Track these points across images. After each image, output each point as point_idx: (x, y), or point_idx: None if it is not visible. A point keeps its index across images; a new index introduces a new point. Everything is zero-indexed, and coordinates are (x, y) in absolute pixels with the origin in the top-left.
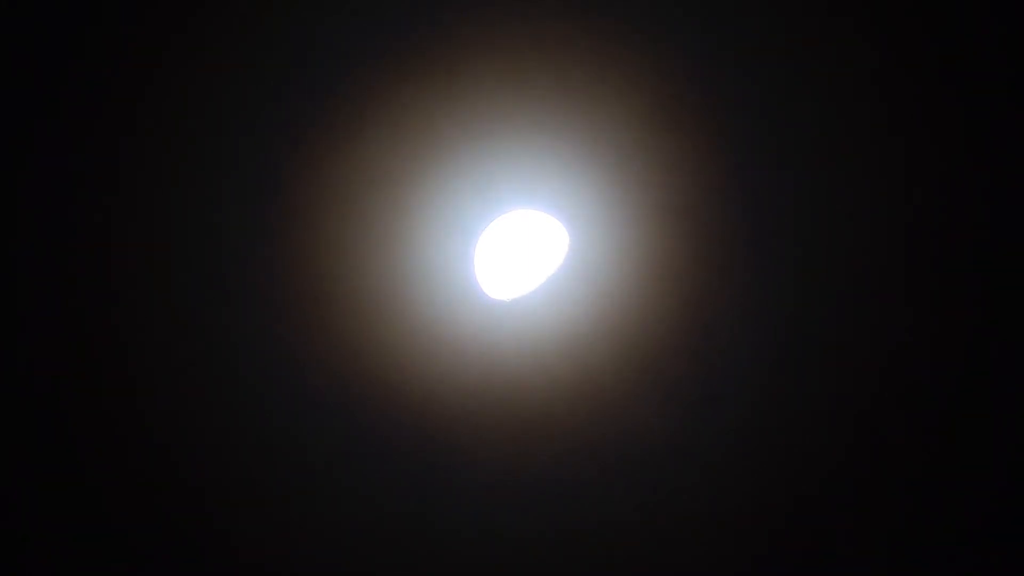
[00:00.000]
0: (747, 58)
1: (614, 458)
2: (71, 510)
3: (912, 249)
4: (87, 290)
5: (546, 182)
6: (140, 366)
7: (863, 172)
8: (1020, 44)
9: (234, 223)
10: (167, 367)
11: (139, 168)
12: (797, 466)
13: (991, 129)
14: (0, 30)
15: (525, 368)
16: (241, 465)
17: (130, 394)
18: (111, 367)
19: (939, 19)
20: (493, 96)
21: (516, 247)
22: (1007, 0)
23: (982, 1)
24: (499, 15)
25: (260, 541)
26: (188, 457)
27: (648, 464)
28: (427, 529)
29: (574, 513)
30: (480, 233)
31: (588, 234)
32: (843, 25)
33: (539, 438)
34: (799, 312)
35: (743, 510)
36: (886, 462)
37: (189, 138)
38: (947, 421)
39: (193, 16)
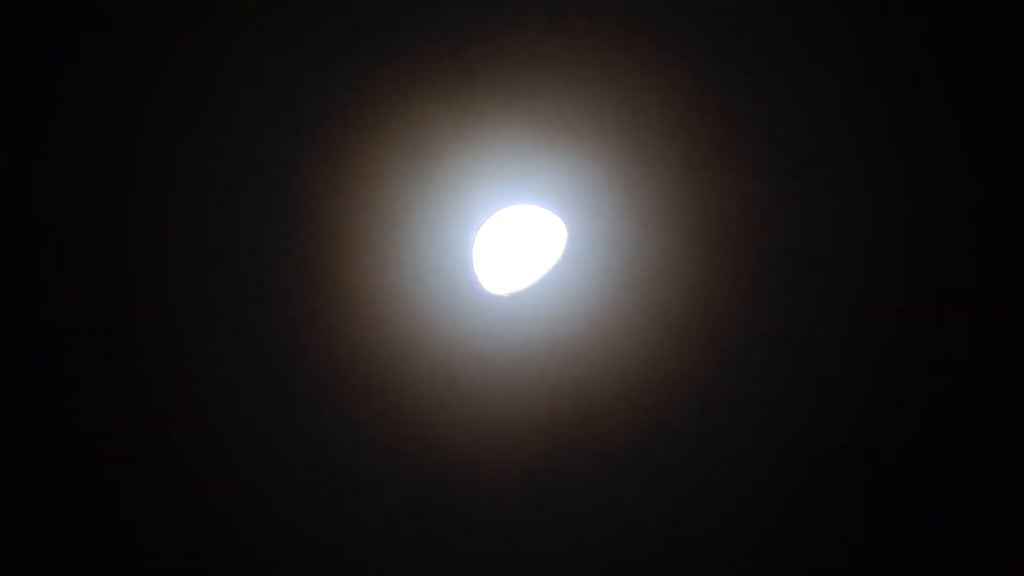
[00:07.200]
0: (749, 55)
1: (614, 452)
2: (82, 505)
3: (915, 245)
4: (104, 287)
5: (544, 177)
6: (154, 360)
7: (869, 171)
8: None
9: (232, 220)
10: (175, 358)
11: (153, 165)
12: (799, 460)
13: (990, 128)
14: (16, 28)
15: (524, 363)
16: (243, 460)
17: (145, 389)
18: (127, 363)
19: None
20: (492, 91)
21: (515, 242)
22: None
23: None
24: (499, 12)
25: (260, 539)
26: (198, 453)
27: (649, 458)
28: (423, 525)
29: (573, 508)
30: (479, 228)
31: (586, 228)
32: (847, 27)
33: (538, 432)
34: (801, 304)
35: (745, 503)
36: (885, 460)
37: (200, 137)
38: (949, 418)
39: (208, 15)
